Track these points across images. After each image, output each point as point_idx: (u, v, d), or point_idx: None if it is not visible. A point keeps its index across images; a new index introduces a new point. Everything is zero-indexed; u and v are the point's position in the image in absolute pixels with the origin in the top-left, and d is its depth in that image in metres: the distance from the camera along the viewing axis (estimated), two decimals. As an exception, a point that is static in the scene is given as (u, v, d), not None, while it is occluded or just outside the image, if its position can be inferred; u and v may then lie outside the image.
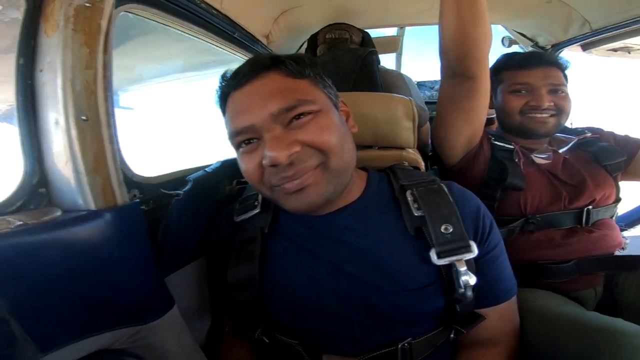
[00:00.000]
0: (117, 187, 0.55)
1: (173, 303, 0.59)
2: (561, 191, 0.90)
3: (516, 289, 0.65)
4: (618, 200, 0.96)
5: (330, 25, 1.37)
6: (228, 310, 0.67)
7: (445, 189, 0.63)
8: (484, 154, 0.96)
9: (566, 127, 1.06)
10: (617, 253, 0.90)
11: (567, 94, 0.95)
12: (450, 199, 0.61)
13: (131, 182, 0.64)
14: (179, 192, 0.63)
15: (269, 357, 0.67)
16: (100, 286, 0.50)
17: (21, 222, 0.43)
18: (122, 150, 0.61)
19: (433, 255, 0.56)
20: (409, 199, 0.62)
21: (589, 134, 1.02)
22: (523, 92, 0.94)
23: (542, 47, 1.58)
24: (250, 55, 1.27)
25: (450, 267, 0.57)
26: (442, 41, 0.79)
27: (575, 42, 1.38)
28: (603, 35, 1.23)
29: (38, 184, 0.50)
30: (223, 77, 0.60)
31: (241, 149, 0.57)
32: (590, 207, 0.89)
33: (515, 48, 1.75)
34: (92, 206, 0.51)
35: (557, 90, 0.93)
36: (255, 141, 0.55)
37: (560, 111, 0.94)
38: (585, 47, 1.38)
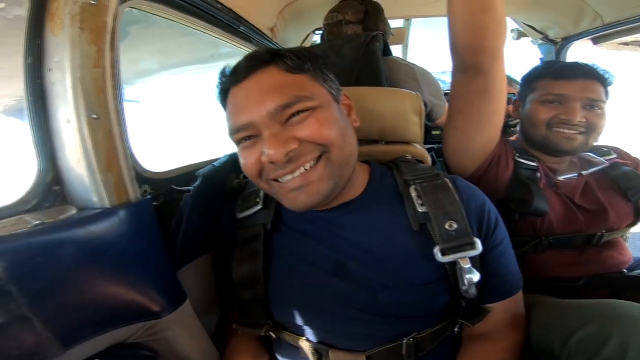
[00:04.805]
0: (130, 183, 0.56)
1: (185, 297, 0.60)
2: (578, 216, 0.85)
3: (522, 284, 0.65)
4: (634, 223, 0.90)
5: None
6: (235, 306, 0.68)
7: (450, 184, 0.62)
8: (507, 172, 0.86)
9: None
10: (625, 271, 0.87)
11: (603, 111, 0.85)
12: (455, 194, 0.60)
13: (142, 177, 0.64)
14: (189, 187, 0.63)
15: (277, 351, 0.68)
16: (116, 282, 0.51)
17: (38, 222, 0.44)
18: (132, 145, 0.60)
19: (437, 252, 0.56)
20: (413, 194, 0.61)
21: (615, 155, 0.94)
22: (555, 103, 0.86)
23: (551, 40, 1.56)
24: (255, 48, 1.25)
25: (455, 263, 0.56)
26: (450, 31, 0.71)
27: (586, 36, 1.35)
28: (614, 29, 1.21)
29: (52, 182, 0.51)
30: (222, 73, 0.60)
31: (241, 145, 0.58)
32: (604, 231, 0.85)
33: (524, 41, 1.73)
34: (106, 203, 0.52)
35: (594, 106, 0.84)
36: (254, 138, 0.56)
37: (591, 129, 0.84)
38: (596, 41, 1.36)
